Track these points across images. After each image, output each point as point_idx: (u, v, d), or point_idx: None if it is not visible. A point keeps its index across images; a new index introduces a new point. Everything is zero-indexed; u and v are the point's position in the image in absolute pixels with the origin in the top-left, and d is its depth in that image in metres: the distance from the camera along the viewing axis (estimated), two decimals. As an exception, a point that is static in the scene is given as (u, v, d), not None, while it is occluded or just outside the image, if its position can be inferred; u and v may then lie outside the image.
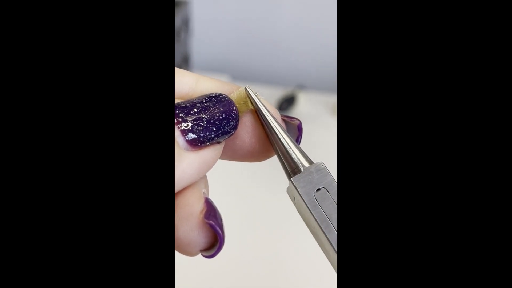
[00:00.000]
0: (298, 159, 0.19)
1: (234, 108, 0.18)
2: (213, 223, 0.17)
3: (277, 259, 0.47)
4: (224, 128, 0.18)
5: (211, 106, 0.18)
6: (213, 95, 0.18)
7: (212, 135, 0.17)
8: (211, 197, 0.18)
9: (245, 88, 0.19)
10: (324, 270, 0.45)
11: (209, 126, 0.17)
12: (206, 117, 0.17)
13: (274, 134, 0.19)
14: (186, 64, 0.78)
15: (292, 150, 0.19)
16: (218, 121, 0.18)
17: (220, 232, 0.17)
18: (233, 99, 0.19)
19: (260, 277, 0.45)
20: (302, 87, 0.86)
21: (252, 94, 0.19)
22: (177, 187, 0.17)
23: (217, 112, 0.18)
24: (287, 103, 0.75)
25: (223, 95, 0.19)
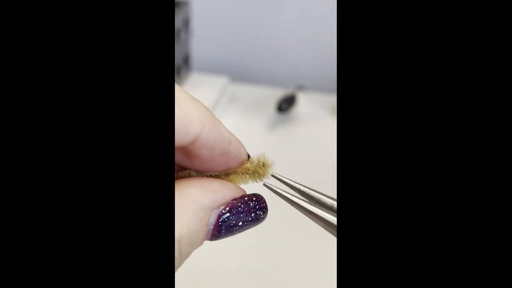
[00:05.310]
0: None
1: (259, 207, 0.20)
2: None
3: (277, 257, 0.47)
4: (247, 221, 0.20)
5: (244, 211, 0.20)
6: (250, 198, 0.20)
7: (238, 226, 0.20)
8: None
9: (273, 175, 0.21)
10: (322, 270, 0.44)
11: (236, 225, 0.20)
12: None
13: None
14: (186, 64, 0.78)
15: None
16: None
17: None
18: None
19: (260, 276, 0.45)
20: (302, 87, 0.86)
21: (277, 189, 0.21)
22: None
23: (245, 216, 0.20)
24: (287, 103, 0.75)
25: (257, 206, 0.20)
